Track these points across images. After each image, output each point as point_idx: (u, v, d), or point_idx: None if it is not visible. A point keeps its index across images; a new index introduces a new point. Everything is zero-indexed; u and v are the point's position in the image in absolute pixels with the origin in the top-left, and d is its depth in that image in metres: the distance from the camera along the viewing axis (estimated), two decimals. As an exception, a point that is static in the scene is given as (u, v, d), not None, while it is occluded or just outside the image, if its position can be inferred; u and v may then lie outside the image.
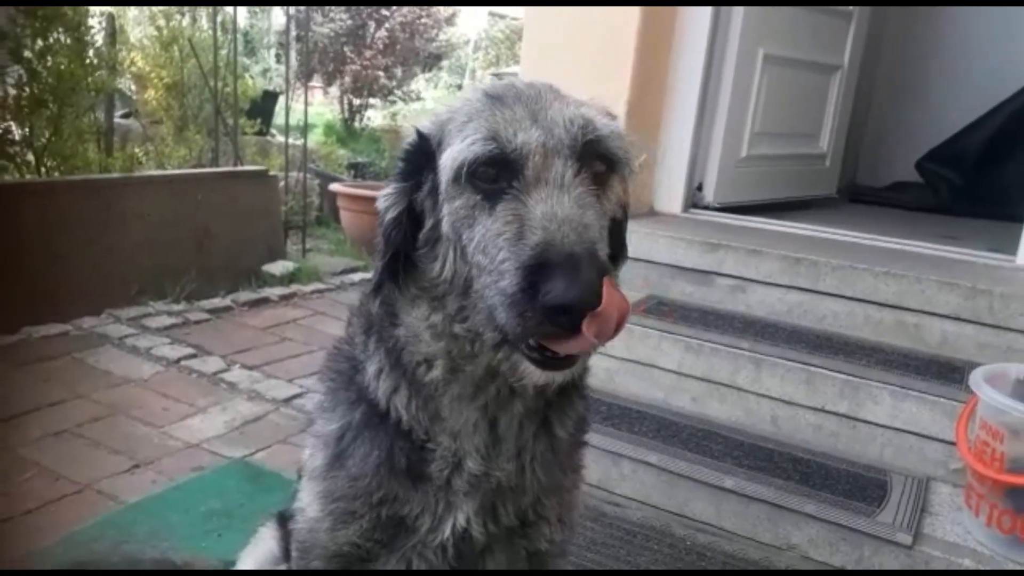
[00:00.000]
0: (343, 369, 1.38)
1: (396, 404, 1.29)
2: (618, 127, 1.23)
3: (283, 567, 1.59)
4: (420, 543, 1.31)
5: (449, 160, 1.16)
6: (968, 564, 2.29)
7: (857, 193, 5.69)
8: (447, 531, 1.29)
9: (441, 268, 1.21)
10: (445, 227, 1.19)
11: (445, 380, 1.27)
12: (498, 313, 1.08)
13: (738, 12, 4.01)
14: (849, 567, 2.42)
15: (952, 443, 2.58)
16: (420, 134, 1.25)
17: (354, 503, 1.31)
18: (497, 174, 1.13)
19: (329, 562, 1.36)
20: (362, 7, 11.99)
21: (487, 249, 1.11)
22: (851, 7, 4.75)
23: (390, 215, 1.24)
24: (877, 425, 2.82)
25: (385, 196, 1.26)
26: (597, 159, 1.19)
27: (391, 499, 1.30)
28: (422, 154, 1.23)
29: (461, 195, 1.16)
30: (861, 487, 2.59)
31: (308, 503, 1.38)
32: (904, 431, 2.77)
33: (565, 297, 0.99)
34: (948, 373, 2.88)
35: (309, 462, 1.39)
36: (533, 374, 1.11)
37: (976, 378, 2.40)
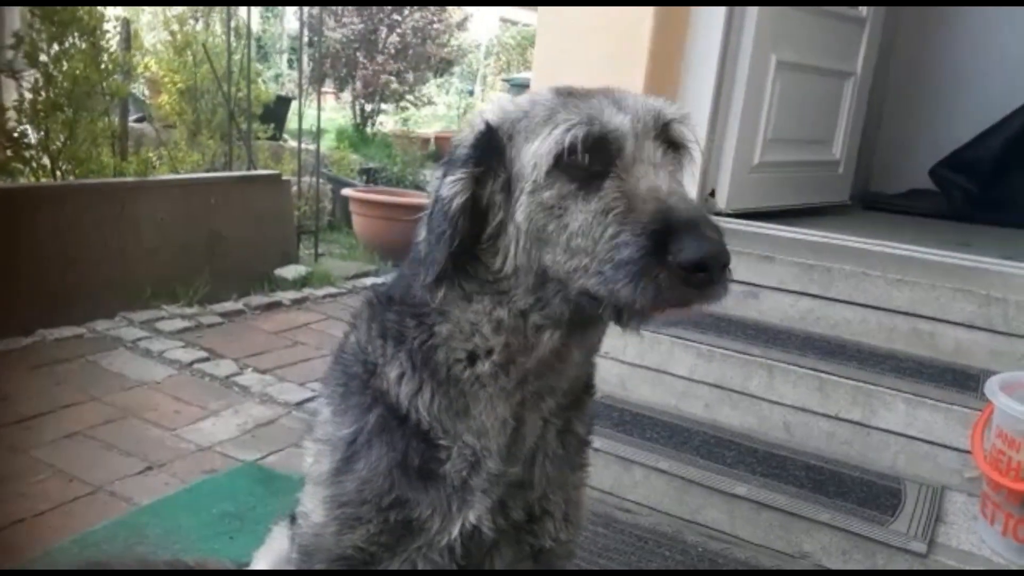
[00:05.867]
0: (356, 373, 1.37)
1: (418, 405, 1.30)
2: (685, 112, 1.27)
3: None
4: (426, 545, 1.32)
5: (543, 150, 1.16)
6: (983, 574, 2.28)
7: (871, 200, 5.65)
8: (455, 531, 1.30)
9: (504, 262, 1.21)
10: (519, 220, 1.18)
11: (492, 374, 1.27)
12: (617, 286, 1.08)
13: (751, 18, 4.00)
14: None
15: (967, 451, 2.56)
16: (489, 125, 1.23)
17: (361, 508, 1.31)
18: (590, 161, 1.15)
19: (331, 564, 1.36)
20: (375, 10, 12.04)
21: (588, 231, 1.12)
22: (864, 11, 4.73)
23: (458, 201, 1.19)
24: (891, 433, 2.80)
25: (453, 182, 1.20)
26: (669, 144, 1.22)
27: (400, 503, 1.30)
28: (490, 145, 1.22)
29: (552, 186, 1.16)
30: (875, 495, 2.57)
31: (312, 508, 1.39)
32: (918, 439, 2.75)
33: (700, 251, 1.02)
34: (963, 381, 2.86)
35: (314, 468, 1.39)
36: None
37: (992, 386, 2.38)
